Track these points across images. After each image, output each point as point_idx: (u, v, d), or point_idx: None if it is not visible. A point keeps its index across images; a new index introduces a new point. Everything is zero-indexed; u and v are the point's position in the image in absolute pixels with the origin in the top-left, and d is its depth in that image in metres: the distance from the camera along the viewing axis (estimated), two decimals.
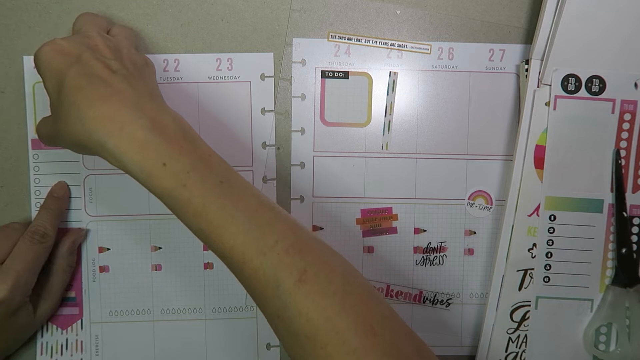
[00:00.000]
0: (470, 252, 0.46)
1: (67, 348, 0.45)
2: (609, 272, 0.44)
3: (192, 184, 0.32)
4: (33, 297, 0.42)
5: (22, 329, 0.42)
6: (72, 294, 0.45)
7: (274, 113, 0.45)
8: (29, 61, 0.44)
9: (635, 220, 0.44)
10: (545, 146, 0.43)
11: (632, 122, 0.43)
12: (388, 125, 0.45)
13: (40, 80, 0.44)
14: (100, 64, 0.35)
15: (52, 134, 0.37)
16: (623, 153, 0.43)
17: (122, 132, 0.32)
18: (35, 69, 0.37)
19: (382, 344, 0.31)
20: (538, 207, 0.43)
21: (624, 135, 0.43)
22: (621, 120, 0.43)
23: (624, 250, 0.43)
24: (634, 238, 0.44)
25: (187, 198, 0.32)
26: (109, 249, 0.45)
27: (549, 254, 0.44)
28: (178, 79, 0.45)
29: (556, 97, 0.43)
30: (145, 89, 0.36)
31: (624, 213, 0.43)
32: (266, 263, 0.31)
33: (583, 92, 0.43)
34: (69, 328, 0.45)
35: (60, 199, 0.44)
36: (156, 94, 0.37)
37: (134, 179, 0.33)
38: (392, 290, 0.46)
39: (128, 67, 0.37)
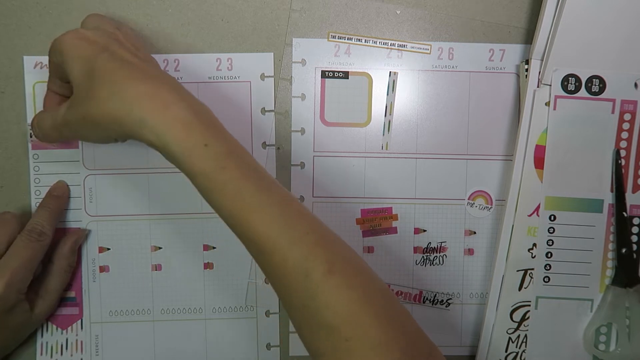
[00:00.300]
0: (470, 252, 0.46)
1: (67, 348, 0.45)
2: (609, 272, 0.44)
3: (231, 167, 0.32)
4: (31, 295, 0.42)
5: (18, 327, 0.42)
6: (72, 294, 0.45)
7: (274, 113, 0.45)
8: (29, 61, 0.44)
9: (635, 220, 0.44)
10: (545, 146, 0.43)
11: (632, 122, 0.43)
12: (388, 125, 0.45)
13: (41, 80, 0.44)
14: (128, 53, 0.36)
15: (64, 123, 0.37)
16: (623, 153, 0.43)
17: (167, 110, 0.33)
18: (51, 56, 0.37)
19: (401, 340, 0.31)
20: (538, 207, 0.43)
21: (624, 135, 0.43)
22: (621, 120, 0.43)
23: (624, 250, 0.43)
24: (634, 238, 0.44)
25: (224, 180, 0.32)
26: (109, 249, 0.45)
27: (549, 254, 0.44)
28: (178, 79, 0.45)
29: (556, 97, 0.43)
30: (170, 78, 0.37)
31: (624, 213, 0.43)
32: (296, 253, 0.32)
33: (583, 92, 0.43)
34: (69, 328, 0.45)
35: (59, 197, 0.44)
36: (167, 75, 0.38)
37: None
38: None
39: (150, 60, 0.38)
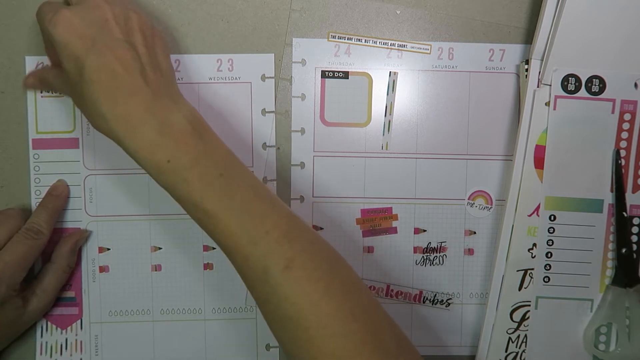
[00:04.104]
0: (470, 252, 0.46)
1: (66, 348, 0.45)
2: (609, 272, 0.44)
3: (192, 179, 0.35)
4: (27, 293, 0.42)
5: (10, 324, 0.41)
6: (72, 294, 0.45)
7: (274, 114, 0.45)
8: (30, 61, 0.44)
9: (635, 220, 0.44)
10: (545, 146, 0.43)
11: (632, 122, 0.43)
12: (388, 125, 0.45)
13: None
14: (114, 56, 0.36)
15: (61, 91, 0.43)
16: (623, 153, 0.43)
17: (136, 133, 0.35)
18: (44, 36, 0.39)
19: (362, 330, 0.33)
20: (538, 207, 0.43)
21: (624, 135, 0.43)
22: (621, 120, 0.43)
23: (624, 250, 0.43)
24: (634, 238, 0.44)
25: (187, 191, 0.35)
26: (109, 249, 0.45)
27: (549, 254, 0.44)
28: (179, 79, 0.45)
29: (556, 97, 0.43)
30: (158, 81, 0.37)
31: (624, 213, 0.43)
32: (256, 251, 0.34)
33: (583, 92, 0.43)
34: (69, 328, 0.45)
35: (58, 197, 0.44)
36: (169, 80, 0.39)
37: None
38: (392, 290, 0.46)
39: (139, 49, 0.37)
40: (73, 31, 0.36)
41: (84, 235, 0.45)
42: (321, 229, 0.46)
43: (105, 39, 0.36)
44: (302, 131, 0.45)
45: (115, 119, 0.35)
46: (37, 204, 0.44)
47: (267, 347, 0.46)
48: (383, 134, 0.45)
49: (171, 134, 0.36)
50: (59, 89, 0.42)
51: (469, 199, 0.46)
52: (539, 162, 0.43)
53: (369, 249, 0.46)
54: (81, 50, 0.36)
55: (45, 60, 0.44)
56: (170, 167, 0.35)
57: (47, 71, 0.42)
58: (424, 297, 0.46)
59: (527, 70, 0.43)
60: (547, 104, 0.43)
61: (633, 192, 0.44)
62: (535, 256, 0.44)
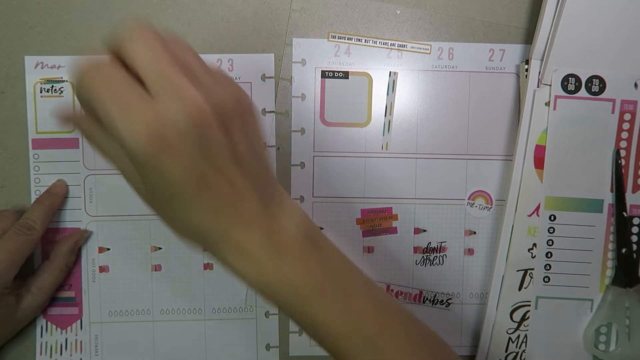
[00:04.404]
0: (470, 252, 0.46)
1: (66, 348, 0.45)
2: (609, 272, 0.44)
3: (304, 293, 0.31)
4: (22, 290, 0.42)
5: (2, 321, 0.41)
6: (72, 293, 0.45)
7: (274, 114, 0.45)
8: (29, 61, 0.44)
9: (635, 220, 0.44)
10: (545, 146, 0.43)
11: (632, 122, 0.43)
12: (388, 125, 0.45)
13: (40, 80, 0.44)
14: (217, 176, 0.28)
15: (112, 163, 0.31)
16: (623, 153, 0.43)
17: (237, 249, 0.30)
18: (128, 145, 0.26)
19: None
20: (538, 207, 0.43)
21: (624, 135, 0.43)
22: (621, 120, 0.43)
23: (624, 250, 0.43)
24: (634, 238, 0.44)
25: (296, 303, 0.31)
26: (109, 249, 0.45)
27: (549, 254, 0.44)
28: None
29: (556, 97, 0.43)
30: (263, 184, 0.31)
31: (624, 213, 0.43)
32: (368, 356, 0.31)
33: (583, 92, 0.43)
34: (69, 328, 0.45)
35: (56, 195, 0.44)
36: (270, 177, 0.32)
37: None
38: (392, 290, 0.46)
39: (240, 147, 0.29)
40: (164, 148, 0.26)
41: (83, 236, 0.45)
42: (321, 228, 0.45)
43: (206, 157, 0.28)
44: (302, 131, 0.45)
45: (214, 236, 0.30)
46: None
47: (267, 347, 0.46)
48: (383, 134, 0.45)
49: (280, 247, 0.30)
50: (111, 161, 0.30)
51: (469, 199, 0.46)
52: (539, 162, 0.43)
53: (369, 249, 0.46)
54: (175, 173, 0.27)
55: (45, 60, 0.44)
56: (280, 283, 0.30)
57: (95, 131, 0.30)
58: (424, 297, 0.46)
59: (527, 70, 0.43)
60: (547, 104, 0.43)
61: (633, 192, 0.44)
62: (535, 256, 0.44)
